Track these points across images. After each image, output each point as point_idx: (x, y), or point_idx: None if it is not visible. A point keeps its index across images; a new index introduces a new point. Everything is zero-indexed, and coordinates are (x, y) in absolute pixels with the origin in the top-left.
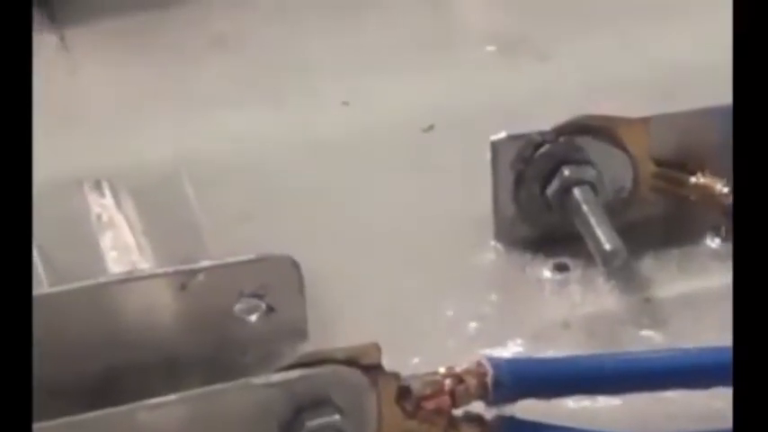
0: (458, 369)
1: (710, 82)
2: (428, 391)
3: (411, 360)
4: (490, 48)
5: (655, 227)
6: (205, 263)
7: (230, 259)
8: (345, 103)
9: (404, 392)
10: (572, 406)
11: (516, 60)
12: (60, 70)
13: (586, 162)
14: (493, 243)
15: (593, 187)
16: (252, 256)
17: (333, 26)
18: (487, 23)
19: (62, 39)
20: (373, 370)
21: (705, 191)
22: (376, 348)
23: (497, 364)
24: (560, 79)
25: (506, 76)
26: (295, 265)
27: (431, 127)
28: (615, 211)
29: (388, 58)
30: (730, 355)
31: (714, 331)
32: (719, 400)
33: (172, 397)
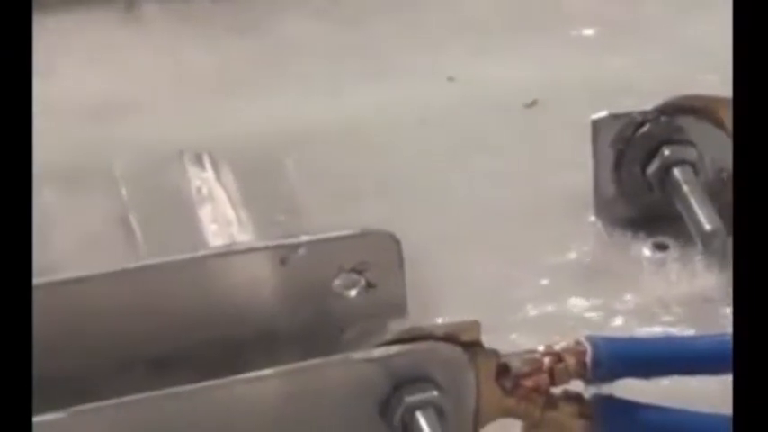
0: (557, 347)
1: None
2: (527, 369)
3: (510, 337)
4: (588, 31)
5: None
6: (305, 237)
7: (331, 234)
8: (451, 79)
9: (503, 370)
10: (668, 385)
11: (617, 42)
12: (161, 45)
13: (687, 142)
14: (593, 221)
15: (694, 167)
16: (352, 232)
17: (438, 3)
18: (587, 5)
19: (159, 14)
20: (473, 347)
21: None
22: (476, 325)
23: (596, 342)
24: (661, 60)
25: (607, 57)
26: (395, 241)
27: (534, 102)
28: (715, 191)
29: (492, 35)
30: None
31: None
32: None
33: (270, 371)
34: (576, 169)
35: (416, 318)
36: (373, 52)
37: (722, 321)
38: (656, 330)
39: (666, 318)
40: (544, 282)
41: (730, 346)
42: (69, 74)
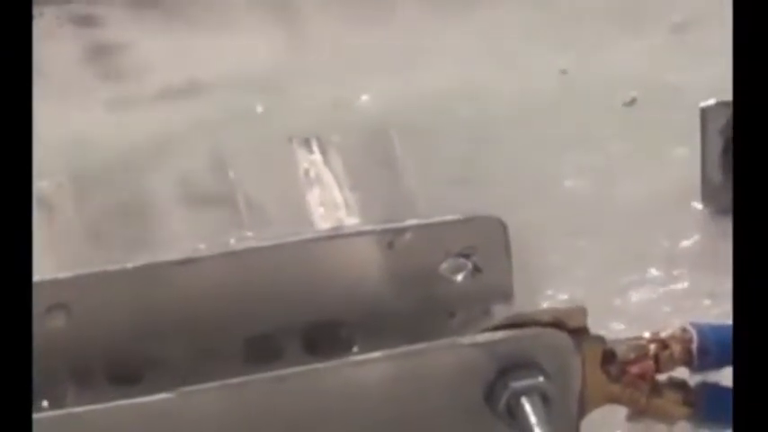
0: (663, 334)
1: None
2: (633, 356)
3: (616, 323)
4: (676, 18)
5: None
6: (412, 221)
7: (437, 219)
8: (564, 72)
9: (609, 356)
10: None
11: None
12: (277, 30)
13: None
14: (700, 208)
15: None
16: (459, 216)
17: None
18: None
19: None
20: (579, 333)
21: None
22: (582, 311)
23: (702, 330)
24: None
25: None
26: (502, 226)
27: (633, 101)
28: None
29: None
30: None
31: None
32: None
33: (377, 354)
34: (684, 158)
35: (523, 303)
36: (487, 42)
37: None
38: None
39: None
40: (651, 269)
41: None
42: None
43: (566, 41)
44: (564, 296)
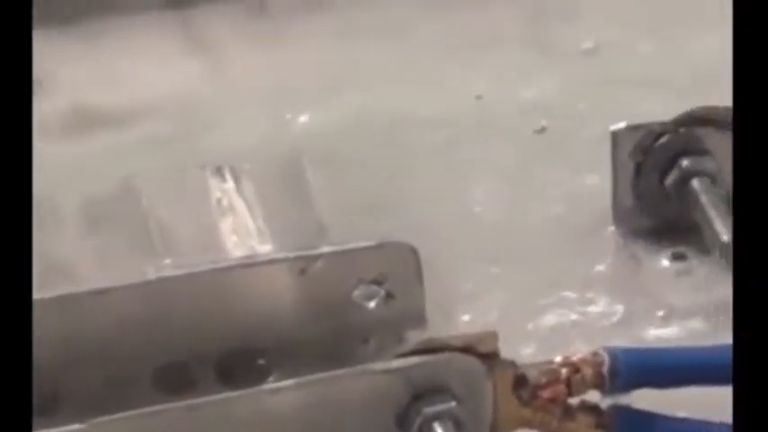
0: (574, 358)
1: None
2: (544, 380)
3: (529, 347)
4: (587, 44)
5: None
6: (325, 248)
7: (350, 245)
8: (479, 98)
9: (520, 381)
10: (687, 395)
11: (616, 61)
12: (186, 55)
13: (705, 153)
14: (611, 231)
15: (712, 178)
16: (371, 243)
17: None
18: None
19: (188, 22)
20: (490, 358)
21: None
22: (493, 336)
23: (614, 353)
24: (663, 75)
25: (609, 75)
26: (414, 253)
27: (543, 129)
28: None
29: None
30: None
31: None
32: None
33: (290, 382)
34: (595, 182)
35: (436, 329)
36: (404, 65)
37: None
38: (674, 340)
39: (686, 327)
40: (564, 293)
41: None
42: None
43: (481, 67)
44: (477, 321)
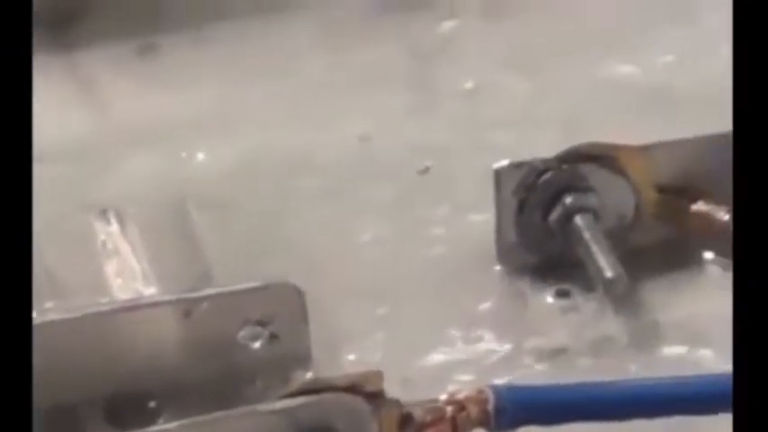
0: (459, 396)
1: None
2: (429, 419)
3: (413, 387)
4: (468, 84)
5: (656, 253)
6: (209, 290)
7: (234, 287)
8: (363, 139)
9: (406, 419)
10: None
11: (497, 100)
12: (72, 98)
13: (588, 189)
14: (496, 269)
15: (595, 214)
16: (255, 284)
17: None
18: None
19: (73, 65)
20: (375, 397)
21: (707, 218)
22: (378, 376)
23: (498, 391)
24: (544, 113)
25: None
26: (299, 293)
27: (427, 169)
28: (617, 237)
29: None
30: (731, 382)
31: (716, 355)
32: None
33: (175, 424)
34: (479, 220)
35: (321, 368)
36: (287, 105)
37: (626, 367)
38: (560, 377)
39: (571, 364)
40: (450, 331)
41: (635, 391)
42: None
43: (365, 107)
44: (362, 361)
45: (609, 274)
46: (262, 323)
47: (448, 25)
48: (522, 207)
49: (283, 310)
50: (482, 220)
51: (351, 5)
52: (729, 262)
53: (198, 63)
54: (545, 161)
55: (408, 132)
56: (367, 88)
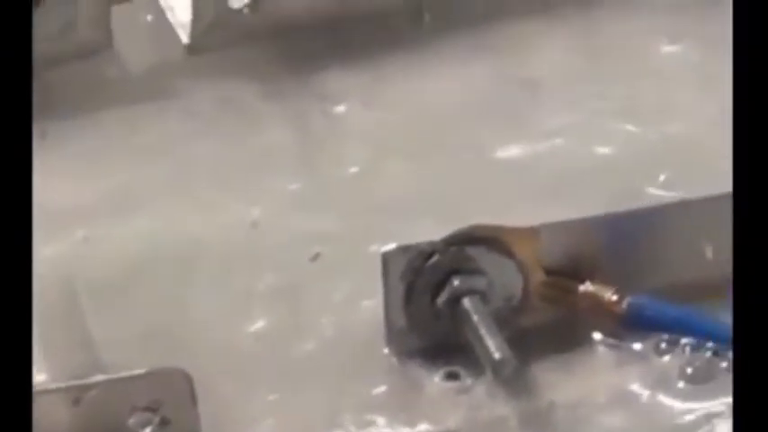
0: None
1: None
2: None
3: None
4: (353, 169)
5: (545, 334)
6: (98, 377)
7: (123, 373)
8: (254, 225)
9: None
10: None
11: (385, 185)
12: None
13: (476, 271)
14: (386, 352)
15: (483, 296)
16: (144, 370)
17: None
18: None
19: None
20: None
21: (594, 298)
22: None
23: None
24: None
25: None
26: (188, 378)
27: (317, 255)
28: (506, 319)
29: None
30: None
31: None
32: None
33: None
34: (368, 304)
35: None
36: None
37: None
38: None
39: None
40: (342, 416)
41: None
42: None
43: (255, 193)
44: None
45: (497, 356)
46: (152, 409)
47: (335, 110)
48: (410, 291)
49: (173, 395)
50: (372, 304)
51: (238, 90)
52: (617, 342)
53: (90, 149)
54: (432, 244)
55: (298, 218)
56: (257, 173)
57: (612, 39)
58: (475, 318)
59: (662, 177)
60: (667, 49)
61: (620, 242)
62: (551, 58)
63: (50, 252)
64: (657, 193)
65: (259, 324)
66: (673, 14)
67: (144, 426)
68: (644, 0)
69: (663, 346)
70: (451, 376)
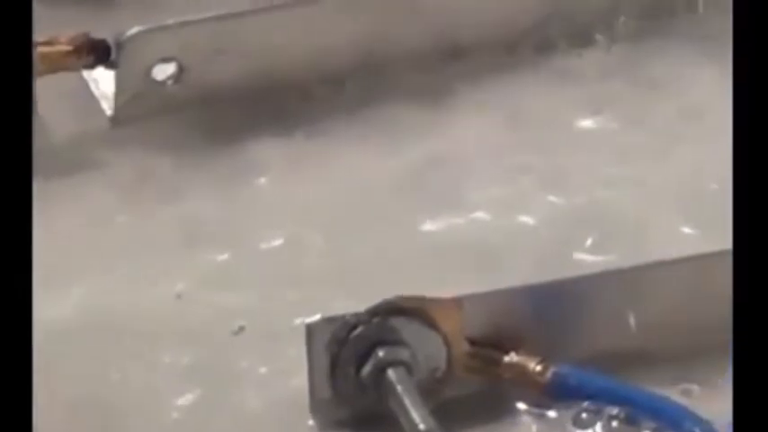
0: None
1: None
2: None
3: None
4: (277, 242)
5: (470, 405)
6: None
7: None
8: (179, 297)
9: None
10: None
11: (306, 257)
12: None
13: (400, 343)
14: (311, 424)
15: (408, 368)
16: None
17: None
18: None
19: None
20: None
21: (519, 369)
22: None
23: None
24: (358, 265)
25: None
26: None
27: (242, 328)
28: (430, 390)
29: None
30: None
31: None
32: None
33: None
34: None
35: None
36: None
37: None
38: None
39: None
40: None
41: None
42: None
43: (179, 266)
44: None
45: (422, 427)
46: None
47: (258, 182)
48: (335, 362)
49: None
50: (297, 377)
51: (161, 161)
52: (542, 412)
53: None
54: (356, 315)
55: (222, 291)
56: (181, 246)
57: (537, 111)
58: (399, 389)
59: (589, 241)
60: (589, 121)
61: (543, 312)
62: (476, 131)
63: None
64: (585, 257)
65: (186, 397)
66: (594, 87)
67: None
68: (567, 74)
69: (584, 416)
70: None
